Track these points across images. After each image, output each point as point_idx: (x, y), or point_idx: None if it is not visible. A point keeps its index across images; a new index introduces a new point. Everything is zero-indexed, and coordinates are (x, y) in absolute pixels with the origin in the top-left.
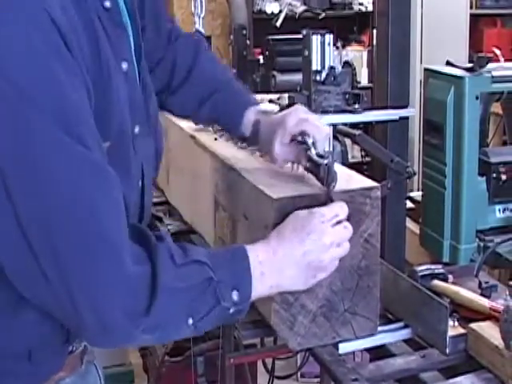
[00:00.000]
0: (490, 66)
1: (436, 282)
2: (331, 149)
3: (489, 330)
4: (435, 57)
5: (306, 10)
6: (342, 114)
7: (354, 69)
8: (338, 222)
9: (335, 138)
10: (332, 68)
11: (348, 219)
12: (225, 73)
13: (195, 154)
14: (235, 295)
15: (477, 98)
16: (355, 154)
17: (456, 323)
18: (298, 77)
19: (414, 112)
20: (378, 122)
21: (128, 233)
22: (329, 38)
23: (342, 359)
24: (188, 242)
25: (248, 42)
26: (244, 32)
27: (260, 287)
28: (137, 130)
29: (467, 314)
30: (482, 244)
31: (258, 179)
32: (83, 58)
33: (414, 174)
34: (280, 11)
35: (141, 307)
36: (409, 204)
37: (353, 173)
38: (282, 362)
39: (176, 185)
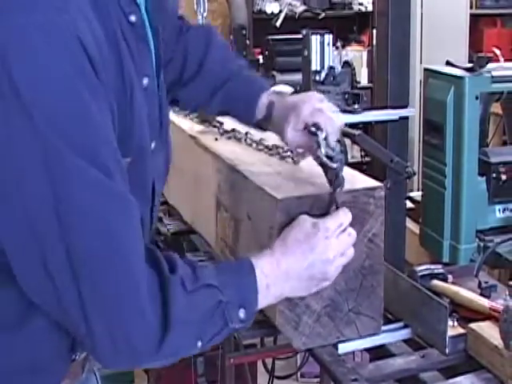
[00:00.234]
0: (490, 65)
1: (436, 282)
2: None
3: (488, 330)
4: (435, 57)
5: (305, 10)
6: (341, 113)
7: (354, 69)
8: (343, 230)
9: None
10: (331, 68)
11: (352, 219)
12: (236, 61)
13: (196, 154)
14: (242, 313)
15: (477, 97)
16: (355, 154)
17: (456, 323)
18: (297, 77)
19: (413, 112)
20: (377, 122)
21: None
22: (328, 38)
23: (342, 359)
24: (188, 242)
25: (248, 41)
26: (244, 32)
27: (265, 300)
28: (153, 145)
29: (467, 313)
30: (481, 244)
31: (262, 179)
32: (109, 80)
33: (414, 174)
34: (280, 11)
35: (153, 343)
36: (409, 204)
37: (356, 173)
38: (281, 362)
39: (176, 185)
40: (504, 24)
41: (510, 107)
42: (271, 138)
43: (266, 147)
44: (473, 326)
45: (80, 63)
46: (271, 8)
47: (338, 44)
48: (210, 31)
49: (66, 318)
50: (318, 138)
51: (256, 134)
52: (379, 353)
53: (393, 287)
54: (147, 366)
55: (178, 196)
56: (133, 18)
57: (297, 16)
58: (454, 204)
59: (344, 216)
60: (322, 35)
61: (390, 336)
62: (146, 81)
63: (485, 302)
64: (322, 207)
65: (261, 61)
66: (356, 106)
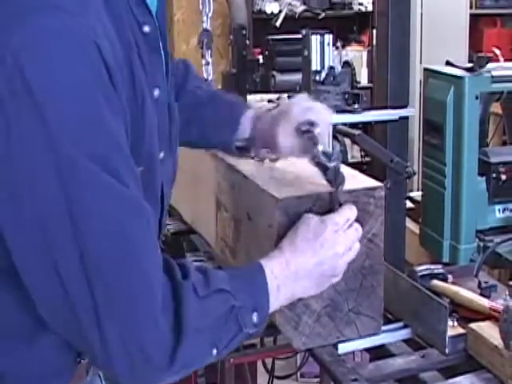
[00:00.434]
0: (490, 65)
1: (436, 282)
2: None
3: (488, 330)
4: (435, 57)
5: (305, 10)
6: (341, 113)
7: (354, 69)
8: (350, 225)
9: (335, 137)
10: (331, 68)
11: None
12: (212, 88)
13: (196, 154)
14: (255, 317)
15: (476, 97)
16: (355, 153)
17: (455, 323)
18: (297, 77)
19: (413, 112)
20: (377, 122)
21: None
22: (328, 37)
23: (342, 359)
24: (188, 242)
25: (248, 41)
26: (244, 32)
27: (276, 303)
28: (162, 155)
29: (467, 313)
30: (481, 244)
31: (262, 179)
32: (122, 88)
33: (414, 173)
34: (280, 11)
35: (167, 352)
36: (409, 204)
37: (356, 173)
38: (281, 362)
39: (176, 185)
40: (504, 24)
41: (510, 107)
42: None
43: None
44: (473, 325)
45: (96, 68)
46: (271, 8)
47: (338, 44)
48: (188, 63)
49: (78, 329)
50: (313, 134)
51: None
52: (379, 353)
53: (393, 287)
54: (162, 381)
55: (177, 196)
56: (146, 29)
57: (297, 16)
58: (454, 204)
59: (350, 211)
60: (322, 35)
61: (390, 336)
62: (157, 92)
63: (485, 302)
64: (322, 206)
65: (261, 61)
66: (356, 106)
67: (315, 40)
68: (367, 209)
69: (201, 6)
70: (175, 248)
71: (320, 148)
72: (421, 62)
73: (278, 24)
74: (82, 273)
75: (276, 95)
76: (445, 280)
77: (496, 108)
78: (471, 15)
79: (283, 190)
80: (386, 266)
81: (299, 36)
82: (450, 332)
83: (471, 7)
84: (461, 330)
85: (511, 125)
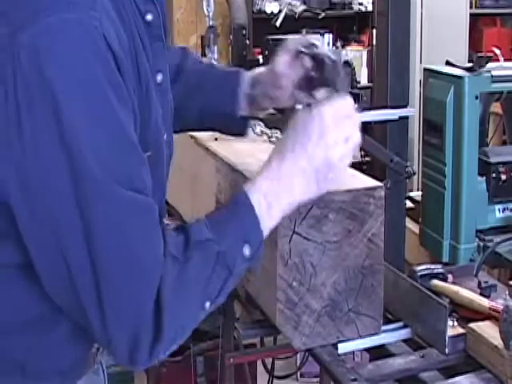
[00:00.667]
0: (490, 65)
1: (435, 282)
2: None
3: (488, 330)
4: (435, 56)
5: (305, 10)
6: None
7: (354, 68)
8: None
9: None
10: None
11: (352, 219)
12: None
13: (196, 154)
14: (247, 250)
15: (476, 97)
16: (354, 153)
17: (455, 323)
18: None
19: (413, 112)
20: (377, 122)
21: None
22: (328, 37)
23: (342, 359)
24: None
25: (248, 41)
26: (244, 32)
27: (271, 221)
28: (165, 137)
29: (466, 313)
30: (481, 244)
31: None
32: (129, 78)
33: (414, 173)
34: (280, 11)
35: (151, 330)
36: (408, 204)
37: (356, 172)
38: (281, 362)
39: (175, 184)
40: (504, 24)
41: (510, 107)
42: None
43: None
44: (472, 325)
45: (107, 62)
46: (271, 8)
47: (338, 44)
48: (185, 48)
49: (80, 308)
50: (313, 42)
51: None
52: (379, 353)
53: (393, 287)
54: (165, 355)
55: (177, 195)
56: (149, 17)
57: (297, 16)
58: (454, 204)
59: (342, 100)
60: (322, 35)
61: (390, 336)
62: (160, 77)
63: (485, 302)
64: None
65: (261, 61)
66: (356, 106)
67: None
68: (367, 209)
69: (204, 4)
70: None
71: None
72: (421, 62)
73: (277, 24)
74: (88, 260)
75: None
76: (445, 280)
77: (496, 108)
78: (471, 15)
79: None
80: (385, 266)
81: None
82: (450, 332)
83: (471, 7)
84: (461, 330)
85: (511, 124)
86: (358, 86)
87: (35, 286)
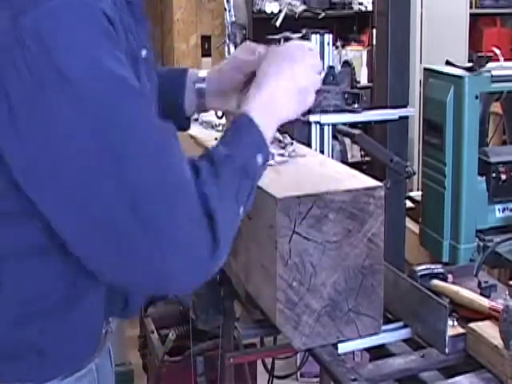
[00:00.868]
0: (490, 65)
1: (435, 282)
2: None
3: (488, 330)
4: (435, 56)
5: (305, 10)
6: (341, 113)
7: (354, 68)
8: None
9: (334, 137)
10: (331, 67)
11: (352, 219)
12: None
13: (195, 154)
14: (260, 158)
15: (476, 97)
16: (355, 153)
17: (455, 323)
18: None
19: (413, 112)
20: (377, 122)
21: None
22: (328, 37)
23: (342, 359)
24: None
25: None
26: (244, 32)
27: (269, 135)
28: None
29: (466, 313)
30: (481, 244)
31: (262, 179)
32: (126, 55)
33: (414, 173)
34: (280, 11)
35: (211, 236)
36: (408, 204)
37: (356, 172)
38: (281, 362)
39: None
40: (504, 23)
41: (510, 107)
42: None
43: None
44: (473, 325)
45: (111, 41)
46: (271, 8)
47: (338, 44)
48: None
49: (135, 258)
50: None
51: None
52: (379, 352)
53: (393, 287)
54: (218, 267)
55: None
56: None
57: (296, 16)
58: (454, 204)
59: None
60: (322, 35)
61: (390, 336)
62: (144, 52)
63: (485, 302)
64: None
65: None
66: (356, 106)
67: (315, 40)
68: (367, 208)
69: (225, 2)
70: None
71: None
72: (421, 62)
73: (278, 24)
74: (128, 195)
75: None
76: (445, 280)
77: (496, 108)
78: (471, 15)
79: (283, 190)
80: (385, 266)
81: (299, 36)
82: (450, 332)
83: (471, 7)
84: (461, 330)
85: (511, 124)
86: (358, 85)
87: (56, 267)
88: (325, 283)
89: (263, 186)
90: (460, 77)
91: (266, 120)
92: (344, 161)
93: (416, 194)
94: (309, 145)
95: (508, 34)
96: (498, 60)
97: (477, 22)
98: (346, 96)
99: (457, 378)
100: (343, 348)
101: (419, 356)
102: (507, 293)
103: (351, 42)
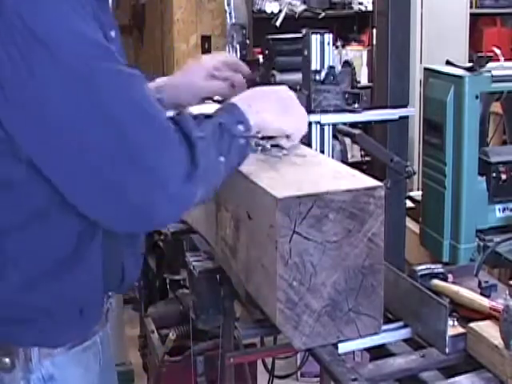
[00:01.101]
0: (490, 65)
1: (436, 282)
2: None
3: (488, 330)
4: (435, 56)
5: (305, 10)
6: (341, 113)
7: (354, 68)
8: None
9: (335, 137)
10: (331, 67)
11: (352, 219)
12: None
13: None
14: (241, 127)
15: (477, 97)
16: (355, 153)
17: (456, 323)
18: (297, 76)
19: (413, 111)
20: (377, 122)
21: None
22: (328, 37)
23: (342, 359)
24: (188, 242)
25: (248, 41)
26: (244, 32)
27: (253, 116)
28: None
29: (467, 313)
30: (481, 243)
31: (262, 179)
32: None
33: (414, 173)
34: (280, 11)
35: (189, 165)
36: (409, 203)
37: (356, 172)
38: (281, 362)
39: None
40: (504, 23)
41: (510, 107)
42: None
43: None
44: (473, 325)
45: (82, 9)
46: (271, 7)
47: (338, 43)
48: None
49: (122, 187)
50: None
51: None
52: (379, 352)
53: (393, 287)
54: (194, 199)
55: None
56: None
57: (297, 15)
58: (454, 203)
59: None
60: (322, 35)
61: (390, 335)
62: (113, 32)
63: (485, 302)
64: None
65: (261, 60)
66: (356, 106)
67: (315, 39)
68: (367, 208)
69: (225, 1)
70: (175, 247)
71: None
72: (421, 62)
73: (278, 24)
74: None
75: None
76: (445, 279)
77: (496, 107)
78: (471, 15)
79: (283, 190)
80: (386, 266)
81: (299, 36)
82: (450, 331)
83: (471, 7)
84: (461, 330)
85: (511, 124)
86: (358, 85)
87: (56, 231)
88: (325, 283)
89: (263, 186)
90: (460, 77)
91: (250, 113)
92: (344, 161)
93: (416, 194)
94: (309, 145)
95: (508, 34)
96: (498, 60)
97: (477, 22)
98: (346, 96)
99: (457, 378)
100: (343, 348)
101: (419, 356)
102: (507, 293)
103: (351, 42)
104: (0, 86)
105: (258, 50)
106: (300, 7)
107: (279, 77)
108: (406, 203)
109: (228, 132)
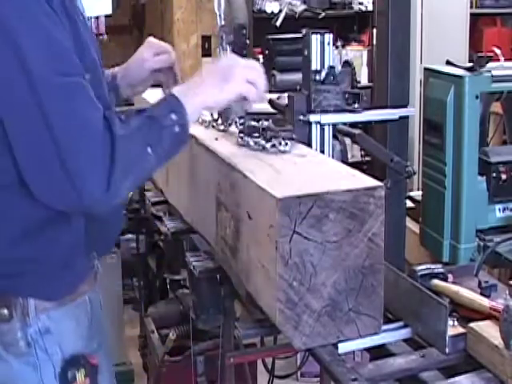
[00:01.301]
0: (490, 65)
1: (436, 282)
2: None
3: (488, 330)
4: (435, 56)
5: (305, 10)
6: (341, 113)
7: (354, 68)
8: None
9: (335, 137)
10: (331, 67)
11: (352, 218)
12: None
13: (196, 153)
14: (173, 115)
15: (477, 97)
16: (355, 153)
17: (456, 323)
18: (297, 76)
19: (413, 111)
20: (377, 122)
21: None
22: (328, 37)
23: (342, 359)
24: (188, 242)
25: (248, 41)
26: (244, 32)
27: (190, 102)
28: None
29: (467, 313)
30: (481, 243)
31: (262, 179)
32: (62, 14)
33: (414, 173)
34: (280, 11)
35: (109, 162)
36: (409, 203)
37: (356, 172)
38: (281, 362)
39: (176, 185)
40: (504, 23)
41: (510, 107)
42: None
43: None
44: (473, 325)
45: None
46: (271, 7)
47: (338, 43)
48: None
49: (50, 176)
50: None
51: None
52: (379, 352)
53: (393, 287)
54: (119, 190)
55: (178, 195)
56: None
57: (297, 15)
58: (454, 203)
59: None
60: (322, 35)
61: (390, 335)
62: (81, 17)
63: (485, 302)
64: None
65: (261, 60)
66: (356, 106)
67: (315, 39)
68: (367, 208)
69: (216, 3)
70: (175, 247)
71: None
72: (421, 62)
73: (278, 24)
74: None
75: (276, 95)
76: (445, 279)
77: (496, 107)
78: (471, 14)
79: (283, 190)
80: (386, 266)
81: (299, 35)
82: (450, 331)
83: (471, 6)
84: (461, 330)
85: (511, 124)
86: (359, 85)
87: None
88: (325, 283)
89: (263, 186)
90: (460, 77)
91: (188, 97)
92: (344, 161)
93: (416, 194)
94: (309, 145)
95: (508, 34)
96: (498, 60)
97: (477, 22)
98: (346, 96)
99: (457, 378)
100: (343, 348)
101: (419, 356)
102: (507, 292)
103: (351, 42)
104: None
105: (258, 49)
106: (300, 7)
107: (279, 77)
108: (406, 203)
109: (158, 123)
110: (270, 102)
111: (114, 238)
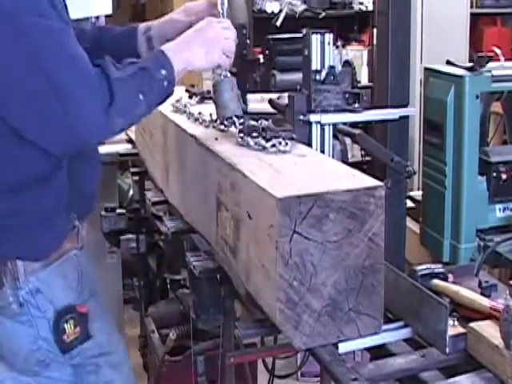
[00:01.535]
0: (490, 65)
1: (436, 282)
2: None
3: (489, 330)
4: (435, 56)
5: (306, 10)
6: (341, 113)
7: (354, 68)
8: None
9: (335, 137)
10: (332, 67)
11: (352, 218)
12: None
13: (196, 153)
14: (163, 71)
15: (477, 97)
16: (355, 153)
17: (456, 322)
18: (297, 76)
19: (413, 111)
20: (377, 122)
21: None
22: (328, 37)
23: (342, 359)
24: (188, 242)
25: (248, 41)
26: (244, 31)
27: (177, 61)
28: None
29: (467, 313)
30: (482, 243)
31: (262, 179)
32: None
33: (414, 173)
34: (280, 10)
35: (107, 98)
36: (409, 203)
37: (357, 172)
38: (282, 362)
39: (176, 185)
40: (504, 23)
41: (511, 106)
42: None
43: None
44: (473, 325)
45: None
46: (271, 7)
47: (339, 43)
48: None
49: (51, 117)
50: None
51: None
52: (379, 352)
53: (393, 286)
54: (113, 126)
55: (178, 195)
56: None
57: (297, 15)
58: (455, 203)
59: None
60: (323, 34)
61: (391, 335)
62: (60, 5)
63: (485, 302)
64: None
65: (261, 60)
66: (356, 106)
67: (315, 39)
68: (367, 208)
69: (219, 2)
70: (176, 247)
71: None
72: (421, 62)
73: (278, 23)
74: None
75: (276, 94)
76: (445, 279)
77: (496, 107)
78: (471, 14)
79: (284, 190)
80: (386, 266)
81: (300, 35)
82: (451, 331)
83: (471, 6)
84: (461, 330)
85: (511, 124)
86: (359, 85)
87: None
88: (325, 283)
89: (264, 186)
90: (460, 76)
91: (176, 57)
92: (344, 160)
93: (416, 194)
94: (309, 144)
95: (508, 34)
96: (498, 60)
97: (477, 22)
98: (346, 96)
99: (457, 378)
100: (344, 348)
101: (420, 356)
102: (508, 292)
103: (352, 42)
104: None
105: (259, 49)
106: (300, 7)
107: (279, 76)
108: (406, 203)
109: (149, 75)
110: (270, 101)
111: (91, 202)
